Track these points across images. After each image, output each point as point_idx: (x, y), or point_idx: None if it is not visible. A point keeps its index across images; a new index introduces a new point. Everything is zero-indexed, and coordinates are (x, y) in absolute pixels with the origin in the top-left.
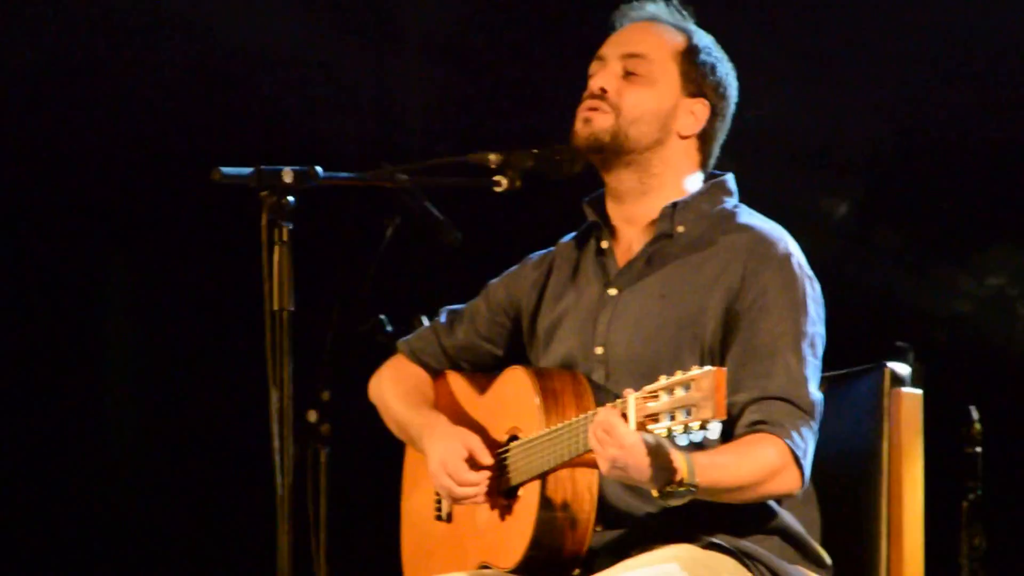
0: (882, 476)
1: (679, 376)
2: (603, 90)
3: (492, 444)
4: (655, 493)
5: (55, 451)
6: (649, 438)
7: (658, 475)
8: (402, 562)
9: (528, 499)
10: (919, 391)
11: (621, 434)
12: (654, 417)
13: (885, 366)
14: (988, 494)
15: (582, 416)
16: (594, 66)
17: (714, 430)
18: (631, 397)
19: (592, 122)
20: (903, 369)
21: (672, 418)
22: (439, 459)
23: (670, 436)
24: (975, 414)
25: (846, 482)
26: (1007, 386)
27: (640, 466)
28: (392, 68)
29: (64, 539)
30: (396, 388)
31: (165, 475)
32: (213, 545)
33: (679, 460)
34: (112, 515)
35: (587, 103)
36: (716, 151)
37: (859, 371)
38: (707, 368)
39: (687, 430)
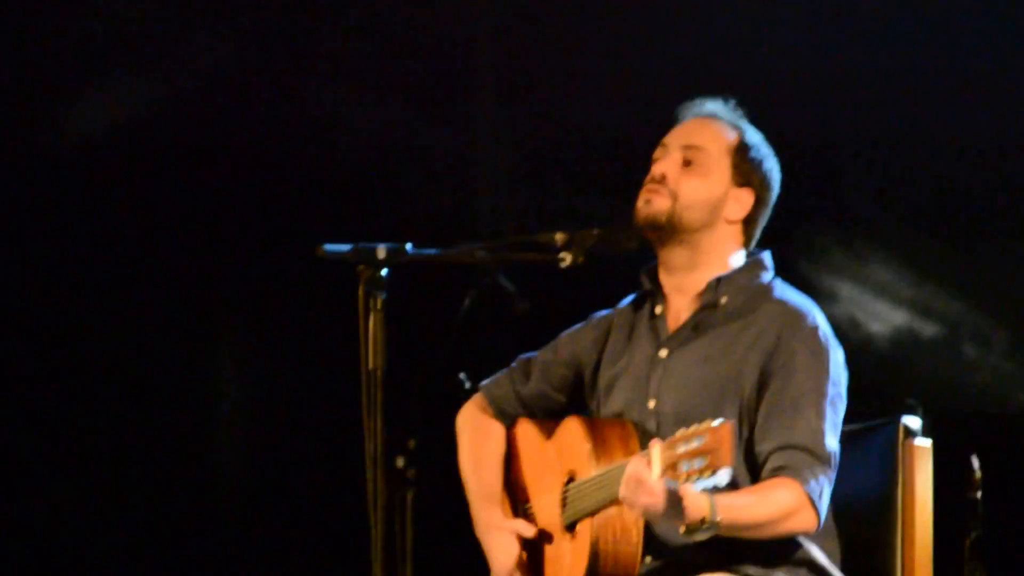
0: (897, 517)
1: (694, 428)
2: (664, 176)
3: (554, 487)
4: (682, 530)
5: (170, 492)
6: (672, 484)
7: (684, 515)
8: None
9: (584, 534)
10: (928, 442)
11: (649, 484)
12: (674, 465)
13: (900, 420)
14: (988, 534)
15: (619, 465)
16: (657, 152)
17: (723, 476)
18: (655, 448)
19: (652, 203)
20: (915, 423)
21: (689, 466)
22: (502, 567)
23: (689, 480)
24: (976, 463)
25: (865, 522)
26: (1004, 438)
27: (668, 509)
28: (468, 154)
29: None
30: (472, 449)
31: (272, 512)
32: None
33: (702, 500)
34: (222, 559)
35: (649, 186)
36: (758, 234)
37: (877, 424)
38: (718, 421)
39: (701, 475)
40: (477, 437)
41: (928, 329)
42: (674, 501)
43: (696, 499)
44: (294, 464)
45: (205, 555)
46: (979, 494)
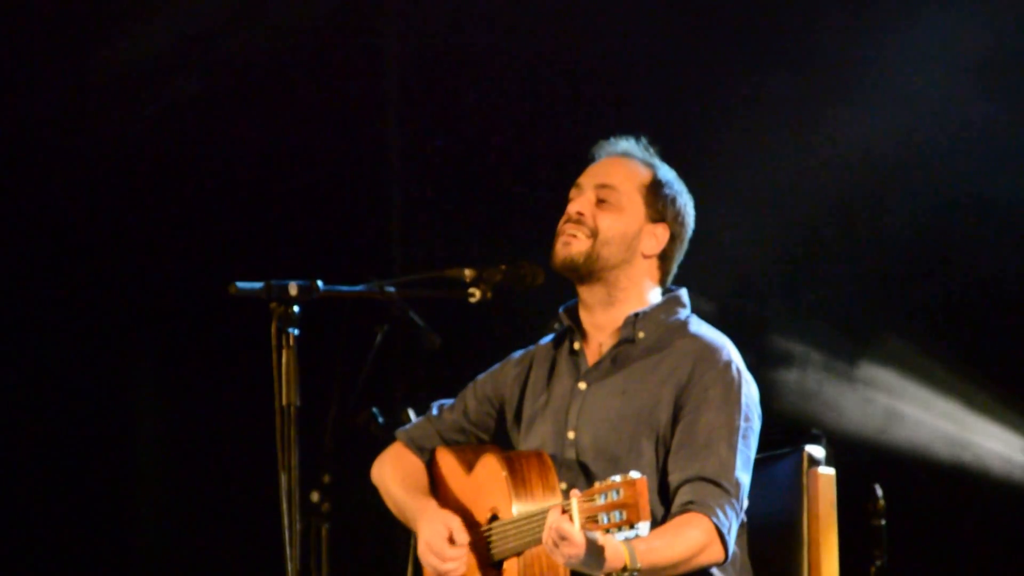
0: (803, 543)
1: (609, 482)
2: (580, 214)
3: (476, 523)
4: None
5: (85, 524)
6: (594, 536)
7: (605, 564)
8: None
9: (511, 572)
10: (832, 471)
11: (571, 538)
12: (594, 518)
13: (803, 449)
14: (892, 561)
15: (542, 512)
16: (573, 192)
17: (643, 528)
18: (574, 500)
19: (571, 246)
20: (818, 452)
21: (608, 519)
22: (425, 540)
23: (609, 532)
24: (879, 491)
25: (773, 548)
26: (905, 467)
27: (589, 560)
28: (379, 191)
29: None
30: (395, 474)
31: (187, 546)
32: None
33: (621, 549)
34: None
35: (567, 227)
36: (674, 269)
37: (781, 454)
38: (631, 475)
39: (620, 528)
40: (399, 466)
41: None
42: (595, 551)
43: (616, 548)
44: (209, 498)
45: None
46: (883, 522)
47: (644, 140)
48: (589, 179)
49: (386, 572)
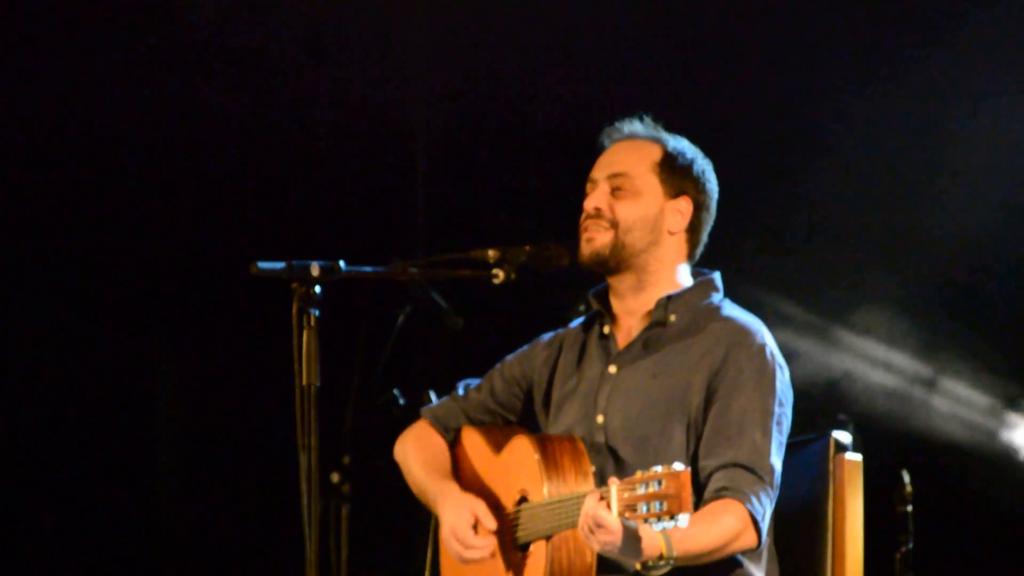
0: (828, 529)
1: (652, 472)
2: (598, 209)
3: (504, 505)
4: (638, 566)
5: (106, 507)
6: (631, 524)
7: (641, 553)
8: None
9: (538, 555)
10: (859, 456)
11: (608, 525)
12: (632, 507)
13: (830, 435)
14: (918, 546)
15: (576, 496)
16: (588, 187)
17: (683, 520)
18: (613, 488)
19: (594, 241)
20: (845, 438)
21: (648, 508)
22: (449, 526)
23: (647, 522)
24: (906, 477)
25: (797, 534)
26: (933, 453)
27: (625, 549)
28: (404, 171)
29: None
30: (418, 455)
31: (207, 527)
32: None
33: (658, 539)
34: (160, 569)
35: (587, 223)
36: (704, 239)
37: (808, 439)
38: (675, 467)
39: (660, 519)
40: (421, 444)
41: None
42: (632, 540)
43: (652, 536)
44: (229, 480)
45: (141, 570)
46: (909, 508)
47: (648, 118)
48: (601, 171)
49: (406, 553)
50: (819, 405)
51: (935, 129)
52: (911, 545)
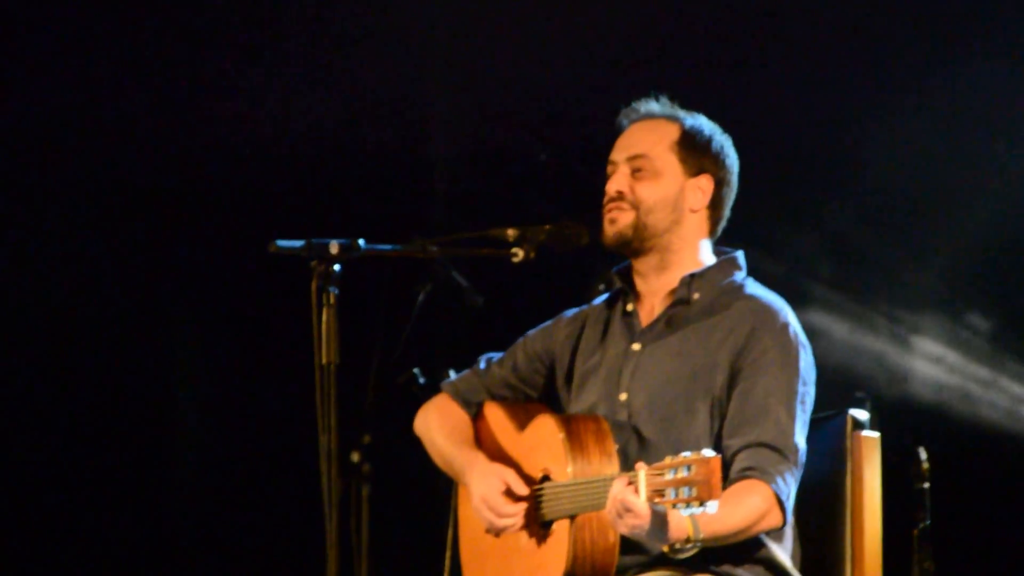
0: (845, 507)
1: (681, 458)
2: (619, 192)
3: (527, 480)
4: (665, 549)
5: (125, 486)
6: (659, 508)
7: (668, 537)
8: (461, 560)
9: (561, 533)
10: (876, 434)
11: (636, 509)
12: (661, 492)
13: (847, 413)
14: (935, 524)
15: (603, 479)
16: (609, 170)
17: (712, 507)
18: (642, 473)
19: (617, 222)
20: (862, 415)
21: (676, 493)
22: (480, 494)
23: (676, 507)
24: (923, 454)
25: (815, 512)
26: (950, 430)
27: (652, 532)
28: (421, 149)
29: (131, 567)
30: (442, 426)
31: (227, 506)
32: (269, 572)
33: (685, 522)
34: (177, 552)
35: (609, 206)
36: (726, 214)
37: (825, 416)
38: (705, 454)
39: (689, 505)
40: (444, 417)
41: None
42: (659, 523)
43: (679, 520)
44: (249, 459)
45: (160, 548)
46: (926, 485)
47: (664, 97)
48: (620, 153)
49: (427, 534)
50: (838, 383)
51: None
52: (928, 522)
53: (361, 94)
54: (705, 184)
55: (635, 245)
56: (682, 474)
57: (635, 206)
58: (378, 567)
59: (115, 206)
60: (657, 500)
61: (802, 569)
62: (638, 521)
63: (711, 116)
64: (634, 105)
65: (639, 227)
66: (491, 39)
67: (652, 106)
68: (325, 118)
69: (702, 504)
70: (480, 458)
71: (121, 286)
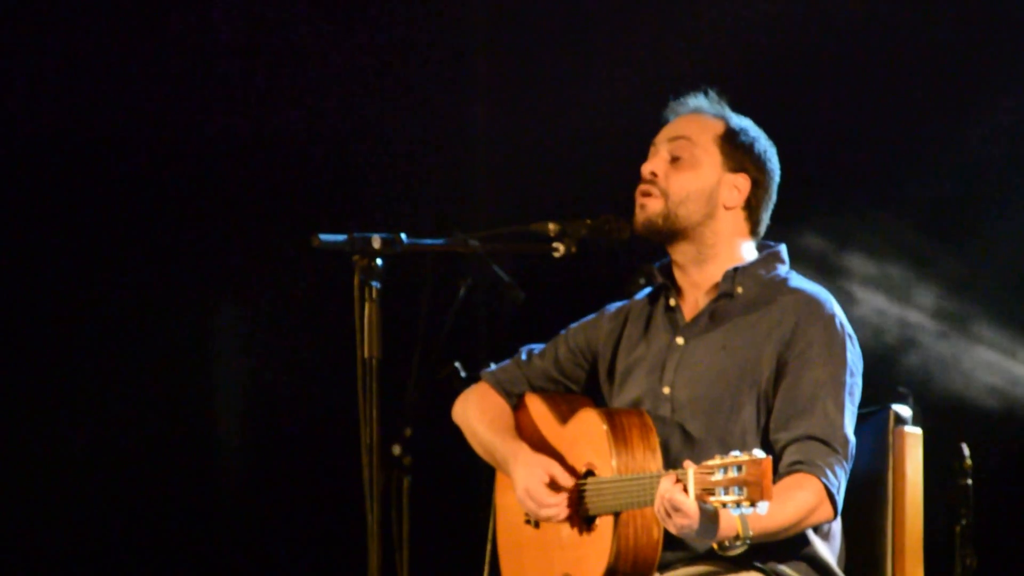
0: (888, 503)
1: (732, 458)
2: (653, 173)
3: (571, 472)
4: (715, 546)
5: (166, 481)
6: (708, 507)
7: (717, 534)
8: (498, 552)
9: (604, 528)
10: (919, 430)
11: (685, 508)
12: (711, 491)
13: (890, 408)
14: (978, 520)
15: (649, 476)
16: (650, 151)
17: (762, 508)
18: (691, 471)
19: (646, 208)
20: (905, 411)
21: (726, 492)
22: (524, 485)
23: (725, 507)
24: (966, 451)
25: (857, 508)
26: (993, 427)
27: (702, 531)
28: (463, 144)
29: (174, 559)
30: (482, 415)
31: (268, 500)
32: (310, 563)
33: (735, 520)
34: (218, 547)
35: (641, 188)
36: (765, 218)
37: (868, 412)
38: (756, 454)
39: (739, 505)
40: (485, 405)
41: (921, 319)
42: (708, 522)
43: (729, 517)
44: (291, 452)
45: (201, 543)
46: (969, 481)
47: (713, 92)
48: (663, 137)
49: (468, 526)
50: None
51: None
52: (971, 519)
53: (403, 83)
54: (742, 183)
55: (665, 233)
56: (732, 474)
57: (664, 195)
58: (418, 559)
59: (157, 201)
60: (706, 499)
61: (844, 565)
62: (687, 521)
63: (761, 118)
64: (682, 99)
65: (669, 216)
66: (543, 22)
67: (701, 101)
68: (370, 109)
69: (753, 505)
70: (524, 448)
71: (163, 281)
